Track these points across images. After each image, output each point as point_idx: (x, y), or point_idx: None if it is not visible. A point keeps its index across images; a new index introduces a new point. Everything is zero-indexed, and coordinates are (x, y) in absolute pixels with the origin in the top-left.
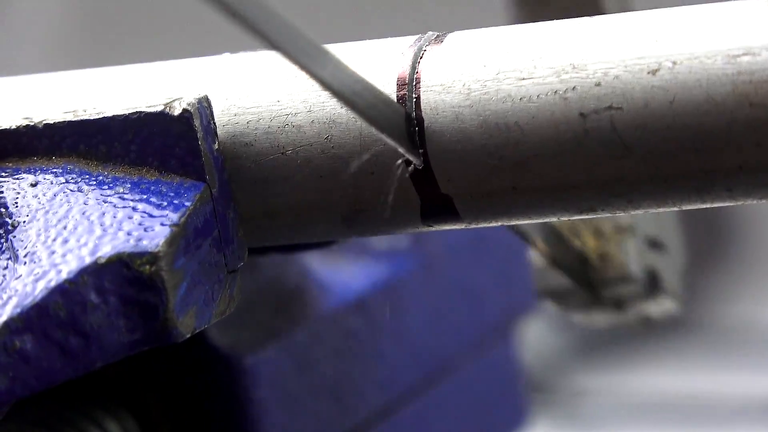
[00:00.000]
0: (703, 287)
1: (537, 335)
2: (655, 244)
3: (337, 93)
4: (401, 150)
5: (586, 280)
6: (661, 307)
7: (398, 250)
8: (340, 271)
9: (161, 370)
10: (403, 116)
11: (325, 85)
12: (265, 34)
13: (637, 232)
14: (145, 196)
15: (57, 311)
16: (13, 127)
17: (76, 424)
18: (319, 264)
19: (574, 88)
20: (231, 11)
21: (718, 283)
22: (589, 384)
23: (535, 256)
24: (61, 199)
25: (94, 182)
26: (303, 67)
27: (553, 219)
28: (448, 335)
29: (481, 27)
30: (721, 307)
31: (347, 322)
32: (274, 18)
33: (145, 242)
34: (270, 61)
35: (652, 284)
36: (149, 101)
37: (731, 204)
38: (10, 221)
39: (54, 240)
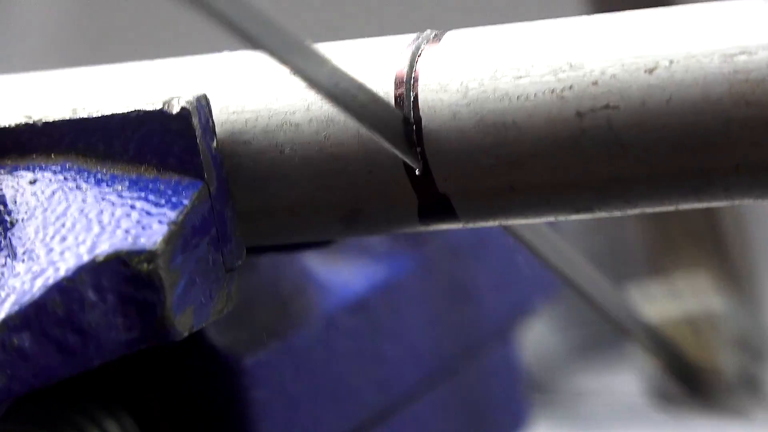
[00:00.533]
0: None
1: (537, 336)
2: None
3: (336, 98)
4: (400, 155)
5: (689, 378)
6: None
7: (398, 251)
8: (340, 272)
9: (160, 370)
10: (401, 120)
11: (324, 91)
12: (257, 41)
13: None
14: (143, 194)
15: (55, 309)
16: (12, 124)
17: (75, 423)
18: (318, 264)
19: (571, 86)
20: (220, 16)
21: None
22: (590, 384)
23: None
24: (60, 197)
25: (93, 180)
26: (297, 71)
27: (550, 218)
28: (448, 336)
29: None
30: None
31: (346, 323)
32: (265, 22)
33: (143, 240)
34: (268, 60)
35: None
36: (148, 99)
37: (728, 203)
38: (8, 219)
39: (52, 238)
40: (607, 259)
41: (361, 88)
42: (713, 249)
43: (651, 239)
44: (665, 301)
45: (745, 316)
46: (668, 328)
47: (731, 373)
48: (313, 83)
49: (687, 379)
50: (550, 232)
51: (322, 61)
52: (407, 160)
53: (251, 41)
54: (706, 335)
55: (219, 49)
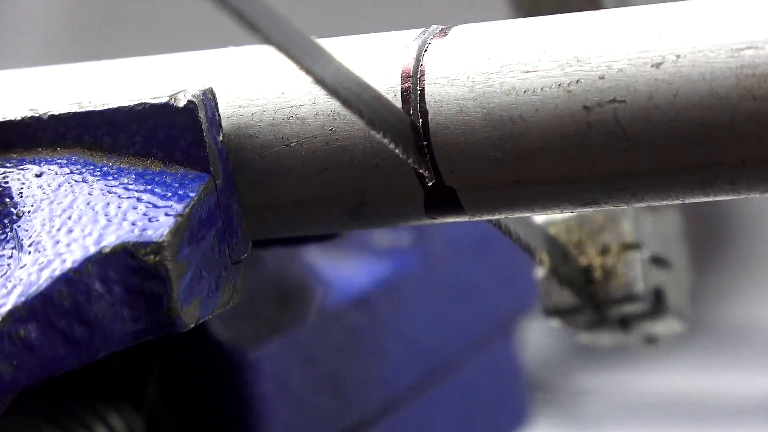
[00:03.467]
0: (703, 287)
1: (538, 334)
2: (660, 262)
3: (341, 98)
4: (410, 162)
5: (591, 298)
6: (666, 327)
7: (401, 248)
8: (343, 268)
9: (165, 365)
10: (409, 125)
11: (329, 88)
12: (268, 36)
13: (643, 250)
14: (149, 187)
15: (61, 300)
16: (19, 118)
17: (79, 417)
18: (322, 260)
19: (578, 81)
20: (236, 12)
21: (718, 283)
22: (590, 384)
23: (540, 272)
24: (66, 190)
25: (99, 173)
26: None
27: (556, 211)
28: (450, 333)
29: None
30: (721, 307)
31: (350, 319)
32: (277, 19)
33: (149, 232)
34: (274, 54)
35: (658, 303)
36: (154, 93)
37: (734, 197)
38: (15, 211)
39: (58, 230)
40: None
41: (367, 88)
42: None
43: None
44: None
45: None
46: (560, 230)
47: (635, 289)
48: (319, 80)
49: (578, 287)
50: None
51: (328, 59)
52: (412, 162)
53: (260, 35)
54: (601, 237)
55: (225, 45)
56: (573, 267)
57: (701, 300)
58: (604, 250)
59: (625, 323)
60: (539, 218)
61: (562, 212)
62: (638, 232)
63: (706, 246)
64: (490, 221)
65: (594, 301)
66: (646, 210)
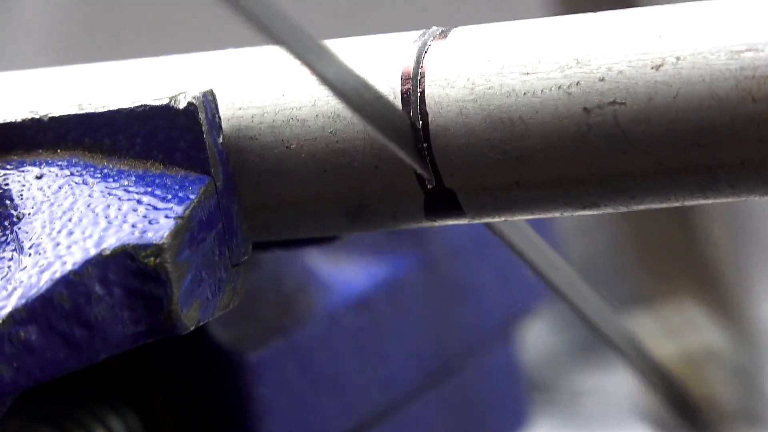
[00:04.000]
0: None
1: (538, 334)
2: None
3: (343, 96)
4: (411, 163)
5: (682, 406)
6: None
7: (400, 250)
8: (343, 270)
9: (164, 367)
10: (409, 126)
11: (332, 88)
12: (271, 32)
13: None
14: (149, 189)
15: (61, 302)
16: (19, 120)
17: (79, 420)
18: (321, 262)
19: (577, 83)
20: (239, 8)
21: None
22: (590, 384)
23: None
24: (66, 192)
25: (99, 175)
26: (307, 66)
27: (556, 214)
28: (450, 335)
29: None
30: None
31: (349, 321)
32: (281, 16)
33: (149, 234)
34: (275, 56)
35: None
36: (154, 95)
37: (733, 200)
38: (15, 213)
39: (59, 232)
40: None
41: (369, 88)
42: (702, 278)
43: (637, 266)
44: (659, 335)
45: (741, 348)
46: (664, 362)
47: (729, 407)
48: (322, 79)
49: (685, 412)
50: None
51: (330, 57)
52: (412, 164)
53: (262, 31)
54: (703, 368)
55: (225, 46)
56: (666, 379)
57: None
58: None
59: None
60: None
61: (562, 215)
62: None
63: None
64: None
65: (684, 409)
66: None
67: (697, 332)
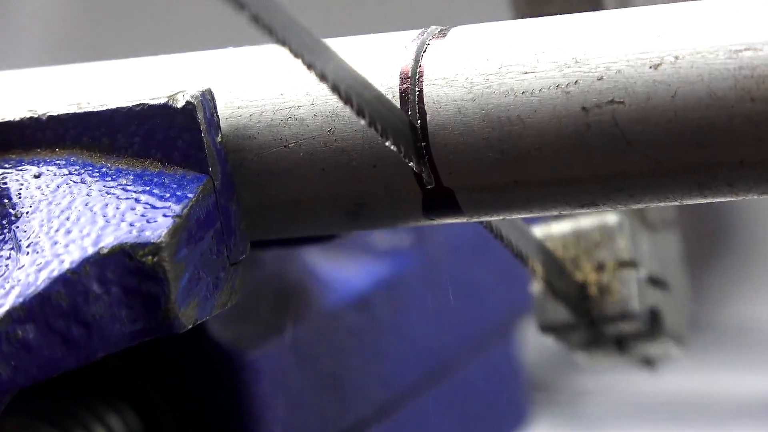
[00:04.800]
0: (703, 287)
1: (538, 334)
2: (658, 283)
3: (342, 95)
4: (410, 163)
5: (586, 315)
6: (663, 349)
7: (400, 248)
8: (342, 268)
9: (163, 365)
10: (408, 125)
11: (331, 86)
12: (272, 30)
13: (640, 270)
14: (148, 188)
15: (59, 301)
16: (17, 119)
17: (78, 417)
18: (321, 261)
19: (576, 82)
20: (239, 5)
21: (718, 283)
22: (590, 384)
23: (535, 286)
24: (64, 191)
25: (98, 174)
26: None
27: (554, 212)
28: (450, 333)
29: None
30: (721, 307)
31: (349, 319)
32: (281, 13)
33: (147, 233)
34: (273, 55)
35: (654, 324)
36: (153, 94)
37: (732, 199)
38: (13, 212)
39: (57, 230)
40: None
41: (368, 86)
42: None
43: None
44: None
45: (640, 234)
46: (557, 245)
47: (631, 307)
48: (321, 78)
49: (573, 303)
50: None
51: (330, 56)
52: (412, 163)
53: (262, 28)
54: (597, 253)
55: (223, 45)
56: (568, 282)
57: (701, 300)
58: (600, 267)
59: (621, 343)
60: (536, 231)
61: (560, 214)
62: (636, 251)
63: (706, 246)
64: (486, 226)
65: (589, 318)
66: (644, 229)
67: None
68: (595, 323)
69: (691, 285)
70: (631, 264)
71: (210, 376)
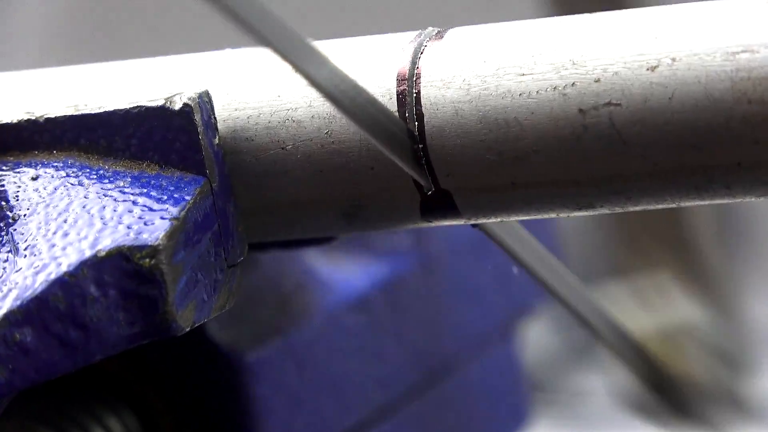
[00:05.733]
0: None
1: (538, 334)
2: (722, 354)
3: (336, 102)
4: (408, 171)
5: (657, 385)
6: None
7: (400, 250)
8: (342, 270)
9: (163, 367)
10: (403, 129)
11: (324, 92)
12: (262, 36)
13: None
14: (145, 190)
15: (57, 304)
16: (15, 121)
17: (77, 419)
18: (320, 262)
19: (573, 84)
20: (231, 13)
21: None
22: (590, 384)
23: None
24: (62, 193)
25: (95, 176)
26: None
27: (552, 215)
28: (449, 334)
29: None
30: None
31: (348, 321)
32: (272, 20)
33: (145, 236)
34: (271, 57)
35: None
36: (150, 96)
37: (730, 201)
38: (10, 214)
39: (54, 233)
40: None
41: (361, 91)
42: (681, 252)
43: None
44: (637, 310)
45: (721, 325)
46: (642, 338)
47: (708, 384)
48: (314, 84)
49: (662, 390)
50: (528, 236)
51: (322, 61)
52: (408, 167)
53: (254, 36)
54: (682, 345)
55: (221, 47)
56: (658, 373)
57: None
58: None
59: (688, 412)
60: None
61: (558, 216)
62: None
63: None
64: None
65: (659, 388)
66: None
67: (675, 307)
68: (672, 397)
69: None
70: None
71: (209, 378)
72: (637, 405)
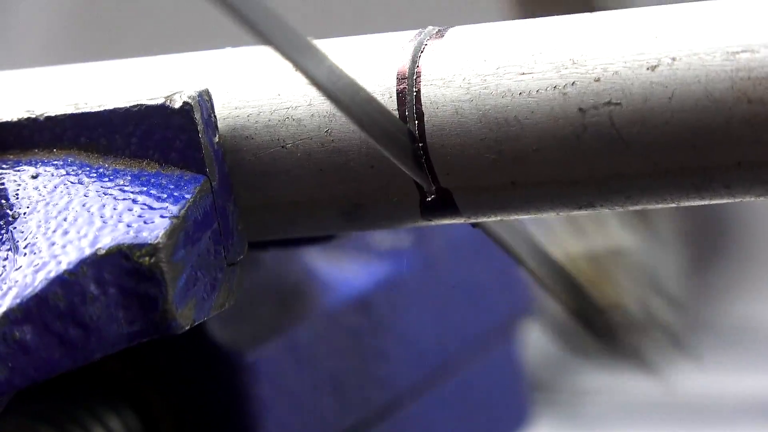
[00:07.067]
0: (702, 287)
1: (539, 334)
2: (658, 287)
3: (334, 99)
4: (408, 170)
5: (583, 311)
6: (665, 353)
7: (401, 249)
8: (342, 269)
9: (163, 366)
10: (402, 129)
11: (323, 89)
12: (262, 33)
13: (637, 269)
14: (145, 189)
15: (56, 302)
16: (15, 119)
17: (77, 418)
18: (321, 261)
19: (573, 83)
20: (231, 9)
21: (717, 283)
22: (590, 384)
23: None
24: (62, 191)
25: (95, 174)
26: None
27: (552, 213)
28: (451, 334)
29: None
30: (721, 307)
31: (349, 320)
32: (272, 17)
33: (144, 234)
34: (270, 55)
35: (650, 322)
36: (150, 94)
37: (729, 201)
38: (10, 213)
39: (54, 231)
40: None
41: (360, 90)
42: None
43: None
44: (568, 236)
45: (654, 252)
46: (571, 265)
47: (637, 314)
48: (313, 82)
49: (590, 319)
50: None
51: (321, 59)
52: (407, 168)
53: (254, 32)
54: (612, 272)
55: (221, 46)
56: (585, 301)
57: (701, 300)
58: (600, 270)
59: (616, 341)
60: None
61: (558, 215)
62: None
63: (705, 245)
64: (501, 245)
65: (585, 316)
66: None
67: (607, 233)
68: (598, 327)
69: (691, 287)
70: (624, 255)
71: (209, 378)
72: (567, 338)
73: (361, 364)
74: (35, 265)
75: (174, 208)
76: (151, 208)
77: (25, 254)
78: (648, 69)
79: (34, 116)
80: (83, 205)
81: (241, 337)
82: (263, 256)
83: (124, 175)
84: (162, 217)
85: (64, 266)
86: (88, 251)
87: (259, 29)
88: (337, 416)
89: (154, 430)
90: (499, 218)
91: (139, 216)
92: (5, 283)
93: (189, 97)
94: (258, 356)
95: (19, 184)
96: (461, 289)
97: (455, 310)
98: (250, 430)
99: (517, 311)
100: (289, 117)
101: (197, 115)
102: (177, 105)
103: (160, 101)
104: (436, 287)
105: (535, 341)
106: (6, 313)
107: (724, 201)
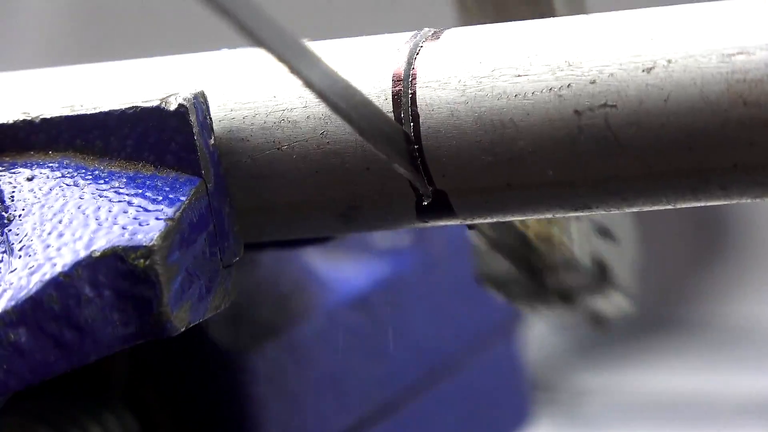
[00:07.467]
0: (702, 287)
1: (539, 334)
2: (604, 233)
3: (329, 102)
4: (403, 172)
5: (529, 266)
6: (612, 303)
7: (400, 248)
8: (341, 269)
9: (161, 366)
10: (398, 131)
11: (317, 92)
12: (256, 36)
13: (584, 218)
14: (140, 191)
15: (51, 304)
16: (11, 121)
17: (75, 419)
18: (320, 261)
19: (569, 85)
20: (225, 12)
21: (717, 283)
22: (590, 384)
23: (475, 237)
24: (57, 193)
25: (90, 177)
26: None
27: (548, 215)
28: (450, 333)
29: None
30: (721, 307)
31: (348, 319)
32: (266, 20)
33: (139, 236)
34: (266, 57)
35: (601, 276)
36: (146, 96)
37: (726, 202)
38: (6, 215)
39: (49, 234)
40: None
41: (355, 92)
42: None
43: None
44: None
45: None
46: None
47: (574, 259)
48: (306, 83)
49: (524, 263)
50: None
51: (315, 62)
52: (402, 170)
53: (248, 36)
54: (561, 227)
55: (217, 48)
56: (510, 231)
57: (701, 300)
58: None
59: (566, 296)
60: None
61: (554, 216)
62: None
63: (706, 245)
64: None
65: (531, 269)
66: None
67: None
68: (537, 273)
69: (688, 284)
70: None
71: (208, 378)
72: (496, 280)
73: (361, 363)
74: (30, 268)
75: (169, 211)
76: (146, 210)
77: (20, 256)
78: (644, 71)
79: (29, 118)
80: (78, 208)
81: (240, 337)
82: (262, 257)
83: (119, 177)
84: (157, 219)
85: (59, 268)
86: (83, 253)
87: (254, 33)
88: (336, 416)
89: (152, 431)
90: (495, 219)
91: (134, 218)
92: (0, 286)
93: (184, 99)
94: (257, 356)
95: (15, 186)
96: (461, 289)
97: (455, 309)
98: (249, 430)
99: (517, 311)
100: (285, 119)
101: (193, 117)
102: (172, 107)
103: (155, 103)
104: (436, 286)
105: (535, 340)
106: (1, 316)
107: (721, 202)
